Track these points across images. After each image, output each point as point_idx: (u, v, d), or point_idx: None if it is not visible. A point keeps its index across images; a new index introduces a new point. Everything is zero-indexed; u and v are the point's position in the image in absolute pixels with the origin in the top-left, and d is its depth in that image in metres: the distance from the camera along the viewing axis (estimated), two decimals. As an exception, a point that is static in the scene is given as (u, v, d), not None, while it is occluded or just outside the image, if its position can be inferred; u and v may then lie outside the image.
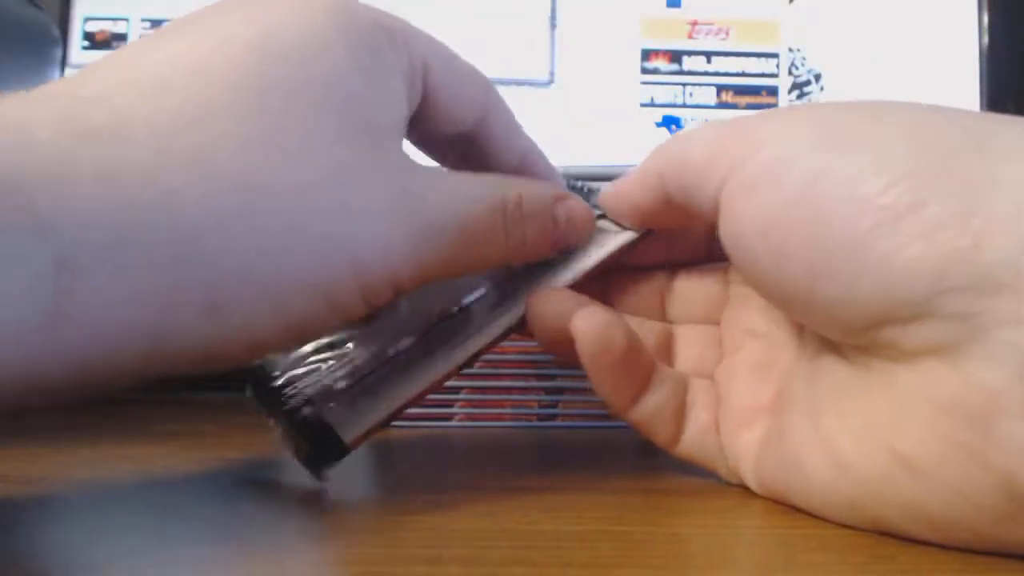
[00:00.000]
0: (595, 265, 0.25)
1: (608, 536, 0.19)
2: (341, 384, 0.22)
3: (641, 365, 0.23)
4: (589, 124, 0.47)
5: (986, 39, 0.47)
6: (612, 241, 0.25)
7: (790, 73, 0.48)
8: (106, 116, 0.17)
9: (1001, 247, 0.16)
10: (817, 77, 0.48)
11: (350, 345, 0.23)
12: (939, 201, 0.17)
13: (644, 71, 0.47)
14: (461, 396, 0.34)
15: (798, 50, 0.48)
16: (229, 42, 0.19)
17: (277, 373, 0.22)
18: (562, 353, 0.23)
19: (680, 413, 0.24)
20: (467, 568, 0.16)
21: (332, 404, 0.22)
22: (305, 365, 0.22)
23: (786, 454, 0.21)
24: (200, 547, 0.18)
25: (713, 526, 0.19)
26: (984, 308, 0.16)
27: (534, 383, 0.35)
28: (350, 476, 0.24)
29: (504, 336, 0.24)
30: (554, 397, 0.35)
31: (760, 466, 0.22)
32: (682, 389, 0.24)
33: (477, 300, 0.24)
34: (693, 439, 0.24)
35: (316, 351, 0.23)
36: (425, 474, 0.26)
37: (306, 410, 0.22)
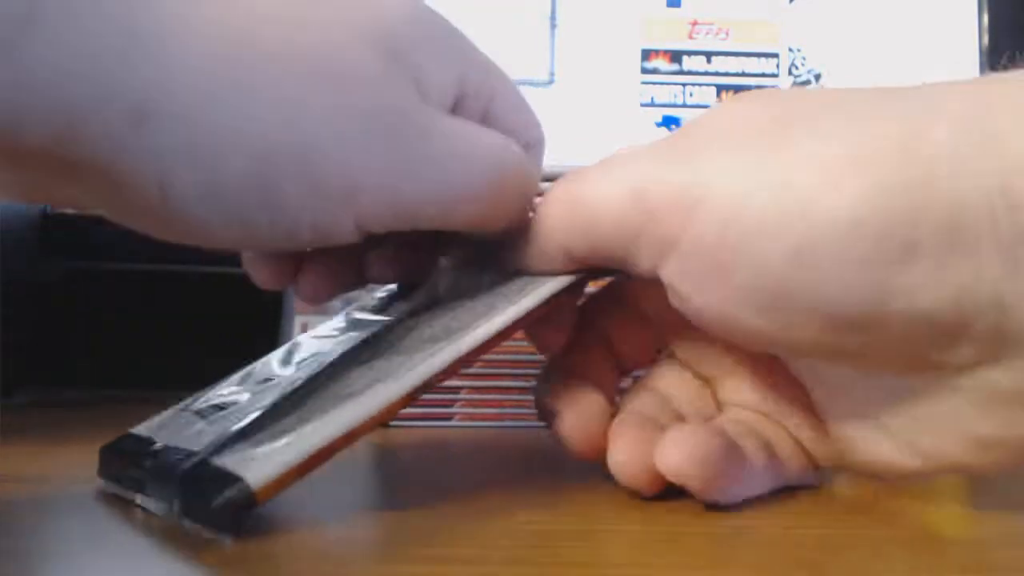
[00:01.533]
0: (529, 310, 0.22)
1: (608, 536, 0.19)
2: (238, 433, 0.19)
3: (737, 457, 0.22)
4: (589, 124, 0.47)
5: (986, 39, 0.47)
6: (547, 286, 0.22)
7: (790, 73, 0.48)
8: None
9: (995, 271, 0.17)
10: (817, 77, 0.48)
11: (242, 400, 0.21)
12: (926, 243, 0.17)
13: (644, 71, 0.47)
14: (461, 396, 0.34)
15: (798, 50, 0.48)
16: None
17: (137, 445, 0.20)
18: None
19: (775, 457, 0.23)
20: (467, 568, 0.16)
21: (224, 454, 0.18)
22: (173, 430, 0.21)
23: (858, 449, 0.21)
24: (200, 547, 0.18)
25: (713, 526, 0.19)
26: (1008, 326, 0.17)
27: (534, 383, 0.35)
28: (350, 476, 0.24)
29: (444, 374, 0.21)
30: (554, 397, 0.34)
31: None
32: (759, 439, 0.23)
33: (407, 334, 0.22)
34: (795, 466, 0.23)
35: (199, 414, 0.21)
36: (425, 474, 0.26)
37: (188, 464, 0.18)
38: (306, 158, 0.18)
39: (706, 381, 0.25)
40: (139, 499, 0.20)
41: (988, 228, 0.17)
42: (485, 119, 0.22)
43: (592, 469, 0.26)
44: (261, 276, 0.24)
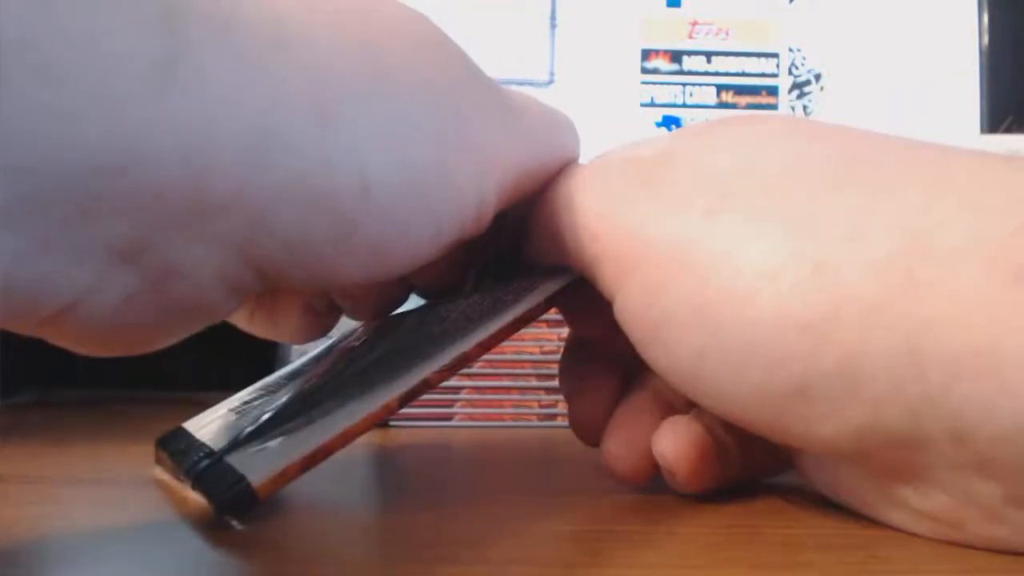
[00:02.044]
0: (533, 308, 0.22)
1: (608, 536, 0.19)
2: (253, 431, 0.20)
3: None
4: (589, 124, 0.47)
5: (986, 39, 0.47)
6: (541, 288, 0.22)
7: (790, 73, 0.48)
8: None
9: (896, 419, 0.16)
10: (817, 77, 0.48)
11: (261, 400, 0.22)
12: (822, 384, 0.16)
13: (644, 71, 0.48)
14: (461, 396, 0.34)
15: (798, 50, 0.48)
16: None
17: (180, 437, 0.21)
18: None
19: (751, 455, 0.22)
20: (467, 568, 0.16)
21: (238, 452, 0.20)
22: (210, 425, 0.21)
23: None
24: (199, 548, 0.18)
25: (713, 526, 0.19)
26: (910, 460, 0.17)
27: (534, 383, 0.35)
28: (350, 477, 0.24)
29: (447, 372, 0.20)
30: (554, 397, 0.35)
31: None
32: (735, 433, 0.22)
33: (416, 331, 0.23)
34: (770, 469, 0.23)
35: (229, 410, 0.22)
36: (425, 474, 0.26)
37: (207, 460, 0.20)
38: (465, 133, 0.19)
39: None
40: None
41: (889, 390, 0.16)
42: None
43: (592, 469, 0.26)
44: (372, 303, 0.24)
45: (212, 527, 0.19)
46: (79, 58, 0.13)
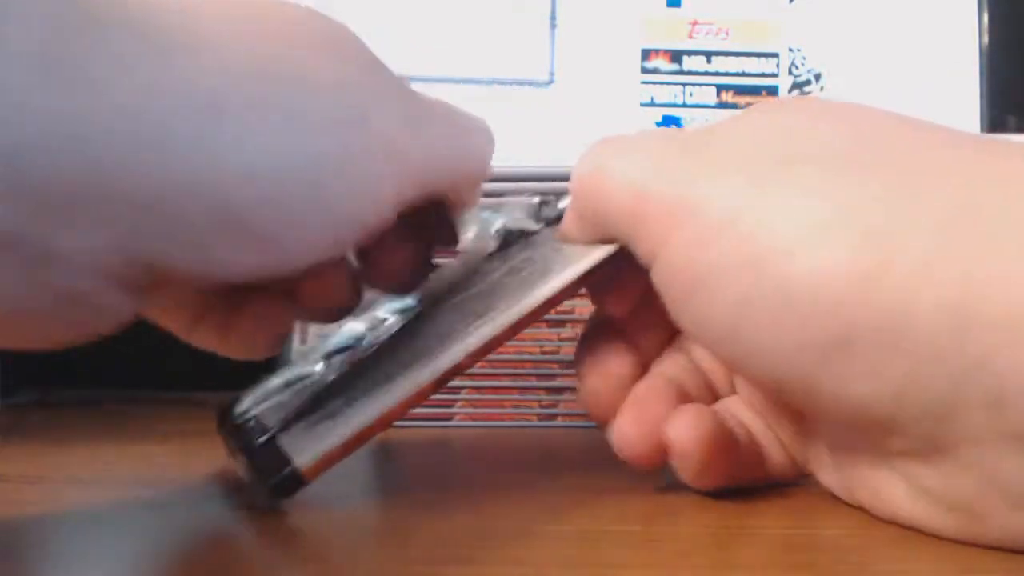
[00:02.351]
0: (570, 282, 0.22)
1: (608, 536, 0.19)
2: (300, 411, 0.21)
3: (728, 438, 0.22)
4: (589, 124, 0.47)
5: (986, 39, 0.47)
6: (585, 258, 0.23)
7: (790, 73, 0.48)
8: None
9: (934, 381, 0.16)
10: (817, 77, 0.48)
11: (316, 373, 0.22)
12: (868, 334, 0.16)
13: (644, 71, 0.47)
14: (461, 396, 0.34)
15: (798, 50, 0.48)
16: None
17: (241, 408, 0.21)
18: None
19: (760, 455, 0.23)
20: (467, 568, 0.16)
21: (288, 432, 0.20)
22: (269, 399, 0.21)
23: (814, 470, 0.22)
24: (199, 548, 0.18)
25: (713, 526, 0.19)
26: (941, 431, 0.16)
27: (534, 383, 0.35)
28: (350, 477, 0.24)
29: (483, 351, 0.22)
30: (554, 397, 0.34)
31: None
32: (748, 433, 0.23)
33: (442, 313, 0.23)
34: (776, 463, 0.23)
35: (285, 384, 0.22)
36: (425, 474, 0.26)
37: (261, 439, 0.20)
38: (362, 128, 0.19)
39: (708, 372, 0.25)
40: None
41: (931, 349, 0.16)
42: None
43: (592, 469, 0.26)
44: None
45: (212, 527, 0.19)
46: None
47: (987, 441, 0.16)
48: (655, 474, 0.25)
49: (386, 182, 0.19)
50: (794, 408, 0.21)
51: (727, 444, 0.21)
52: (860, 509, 0.20)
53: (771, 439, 0.23)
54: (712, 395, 0.24)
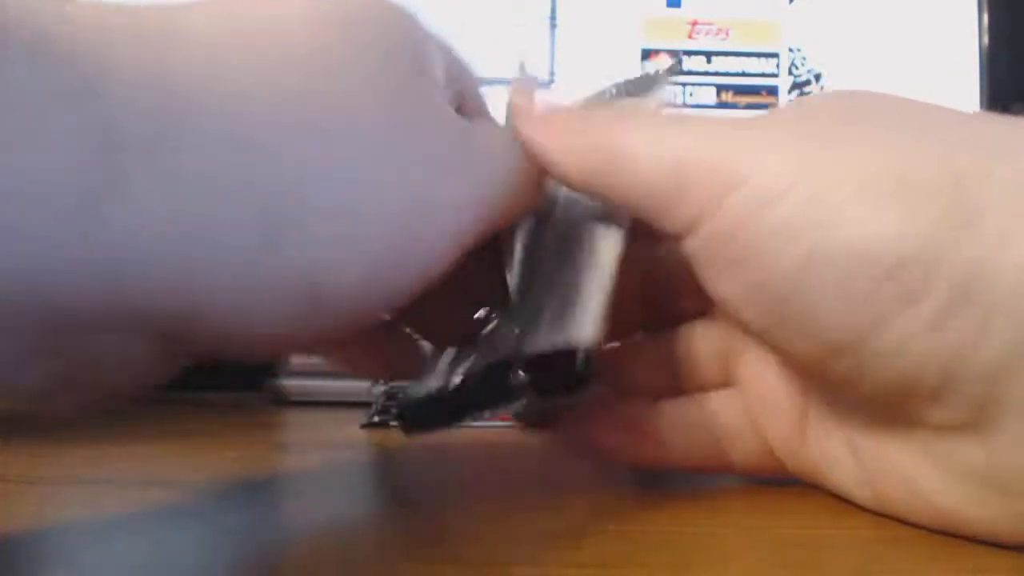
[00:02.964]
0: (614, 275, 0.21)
1: (608, 536, 0.19)
2: (528, 322, 0.21)
3: (648, 417, 0.23)
4: (589, 124, 0.47)
5: (986, 39, 0.47)
6: (611, 242, 0.22)
7: (790, 73, 0.48)
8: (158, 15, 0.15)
9: (1002, 340, 0.16)
10: (817, 77, 0.48)
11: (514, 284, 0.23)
12: (936, 291, 0.16)
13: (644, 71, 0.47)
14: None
15: (798, 50, 0.48)
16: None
17: (441, 383, 0.22)
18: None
19: (717, 441, 0.23)
20: (466, 568, 0.16)
21: (540, 335, 0.20)
22: (461, 361, 0.22)
23: (824, 469, 0.22)
24: (199, 548, 0.18)
25: (713, 526, 0.19)
26: (994, 396, 0.16)
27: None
28: (350, 477, 0.24)
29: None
30: (554, 397, 0.34)
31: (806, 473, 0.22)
32: (704, 417, 0.23)
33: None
34: (745, 460, 0.23)
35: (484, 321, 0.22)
36: (425, 474, 0.26)
37: (529, 355, 0.20)
38: (427, 209, 0.18)
39: (725, 352, 0.24)
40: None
41: (1004, 301, 0.15)
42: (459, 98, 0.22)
43: (592, 469, 0.26)
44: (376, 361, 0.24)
45: (212, 527, 0.19)
46: (4, 184, 0.12)
47: None
48: (654, 474, 0.25)
49: (446, 239, 0.18)
50: (831, 384, 0.20)
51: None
52: (866, 510, 0.20)
53: (748, 434, 0.23)
54: (708, 378, 0.24)
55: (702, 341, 0.24)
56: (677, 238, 0.19)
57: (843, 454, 0.21)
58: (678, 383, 0.24)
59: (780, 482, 0.23)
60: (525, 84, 0.23)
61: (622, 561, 0.17)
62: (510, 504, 0.21)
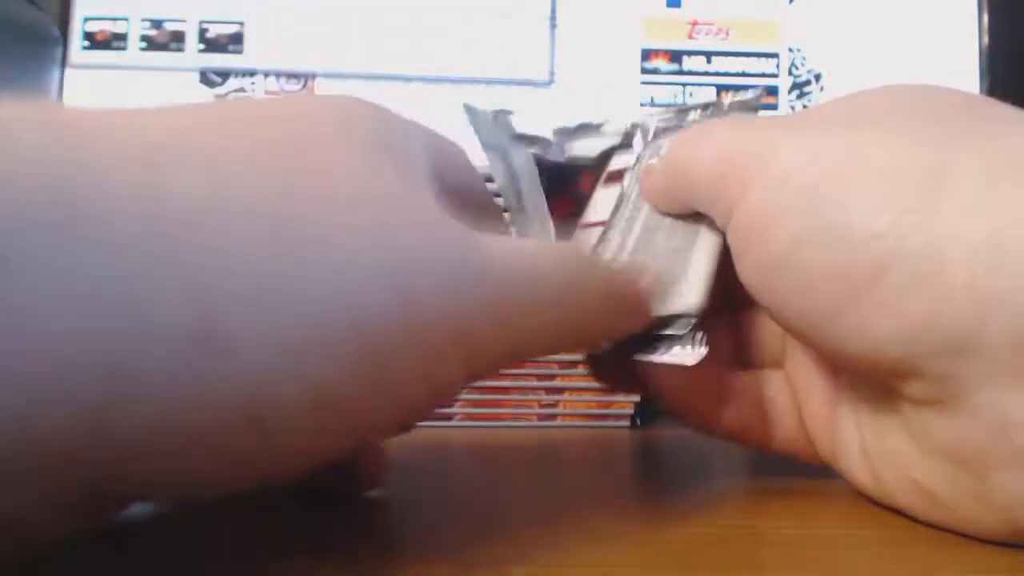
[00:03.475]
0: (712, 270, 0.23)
1: (609, 536, 0.19)
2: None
3: (714, 379, 0.23)
4: (589, 124, 0.47)
5: (986, 39, 0.47)
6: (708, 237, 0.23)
7: (790, 73, 0.48)
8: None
9: (960, 316, 0.16)
10: (817, 77, 0.48)
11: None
12: (901, 266, 0.17)
13: (644, 71, 0.47)
14: (461, 396, 0.34)
15: (798, 50, 0.48)
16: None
17: None
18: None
19: (764, 415, 0.24)
20: (467, 568, 0.16)
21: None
22: None
23: (842, 455, 0.22)
24: (199, 548, 0.18)
25: (713, 526, 0.19)
26: (958, 371, 0.17)
27: (534, 383, 0.35)
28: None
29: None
30: (554, 397, 0.35)
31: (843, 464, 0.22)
32: (759, 390, 0.24)
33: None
34: (784, 438, 0.24)
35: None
36: (425, 474, 0.26)
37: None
38: (408, 302, 0.15)
39: (781, 334, 0.25)
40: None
41: (961, 276, 0.16)
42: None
43: (592, 469, 0.26)
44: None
45: (212, 527, 0.19)
46: None
47: (1003, 385, 0.16)
48: (655, 474, 0.25)
49: (442, 369, 0.16)
50: (824, 358, 0.22)
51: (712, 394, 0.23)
52: (866, 510, 0.20)
53: (790, 413, 0.24)
54: (768, 355, 0.25)
55: (766, 322, 0.25)
56: (722, 228, 0.21)
57: (853, 437, 0.21)
58: (743, 358, 0.25)
59: (780, 482, 0.23)
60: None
61: (622, 561, 0.17)
62: (510, 504, 0.21)
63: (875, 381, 0.20)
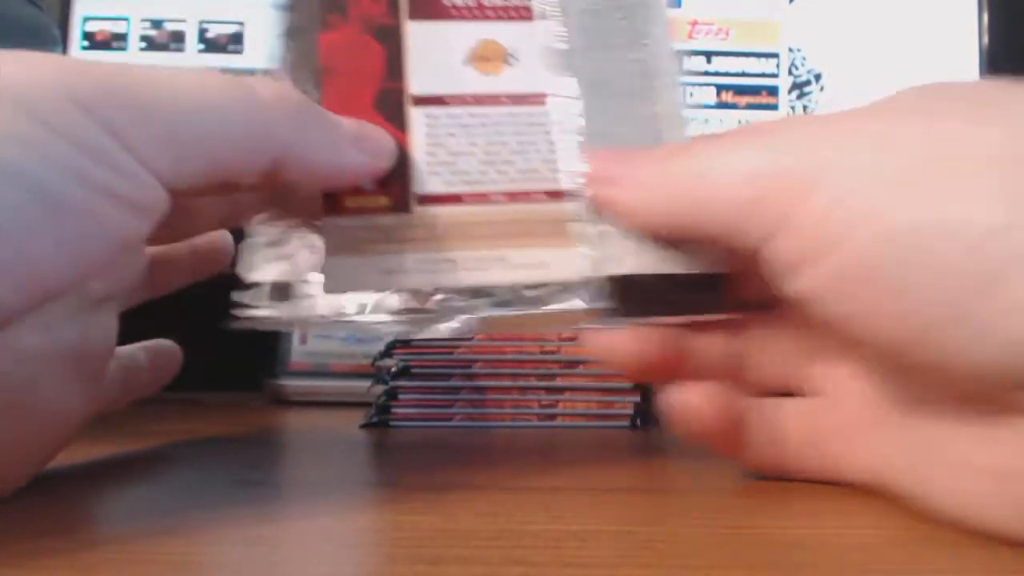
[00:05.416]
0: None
1: (608, 536, 0.19)
2: None
3: (733, 423, 0.22)
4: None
5: (986, 39, 0.47)
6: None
7: (790, 73, 0.48)
8: None
9: None
10: (817, 77, 0.48)
11: None
12: (1016, 277, 0.16)
13: (644, 71, 0.47)
14: (461, 396, 0.34)
15: (798, 50, 0.48)
16: None
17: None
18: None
19: (776, 442, 0.23)
20: (467, 568, 0.16)
21: None
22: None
23: (907, 472, 0.21)
24: (199, 548, 0.18)
25: (713, 526, 0.19)
26: None
27: (534, 383, 0.35)
28: (350, 476, 0.24)
29: None
30: (554, 397, 0.35)
31: (880, 476, 0.22)
32: (770, 417, 0.23)
33: None
34: (797, 459, 0.23)
35: None
36: (425, 474, 0.26)
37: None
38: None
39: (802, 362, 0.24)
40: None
41: None
42: None
43: (592, 469, 0.26)
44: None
45: (212, 527, 0.19)
46: None
47: None
48: (655, 474, 0.25)
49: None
50: (910, 375, 0.20)
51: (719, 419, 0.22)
52: (866, 512, 0.20)
53: (809, 443, 0.23)
54: (779, 373, 0.24)
55: (780, 346, 0.24)
56: (754, 250, 0.20)
57: (900, 450, 0.21)
58: (752, 386, 0.24)
59: (780, 482, 0.23)
60: (600, 154, 0.23)
61: (622, 561, 0.17)
62: (510, 504, 0.21)
63: (955, 392, 0.18)
